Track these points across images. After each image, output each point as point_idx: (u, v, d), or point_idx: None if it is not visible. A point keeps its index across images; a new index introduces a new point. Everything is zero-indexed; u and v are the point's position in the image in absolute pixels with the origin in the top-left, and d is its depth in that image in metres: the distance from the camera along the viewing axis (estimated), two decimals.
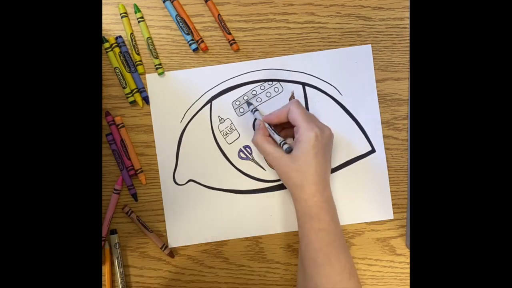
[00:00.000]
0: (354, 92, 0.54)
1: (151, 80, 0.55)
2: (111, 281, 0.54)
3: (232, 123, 0.55)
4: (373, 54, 0.54)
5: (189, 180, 0.55)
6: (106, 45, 0.55)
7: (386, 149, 0.54)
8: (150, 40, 0.54)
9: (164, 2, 0.55)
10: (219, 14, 0.55)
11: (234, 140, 0.55)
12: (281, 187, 0.54)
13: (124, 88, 0.54)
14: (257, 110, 0.53)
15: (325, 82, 0.55)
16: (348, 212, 0.54)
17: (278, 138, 0.49)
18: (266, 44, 0.55)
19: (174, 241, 0.54)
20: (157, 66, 0.54)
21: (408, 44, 0.55)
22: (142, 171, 0.55)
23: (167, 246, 0.54)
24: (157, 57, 0.54)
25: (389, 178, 0.54)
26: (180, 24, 0.54)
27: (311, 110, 0.54)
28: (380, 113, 0.54)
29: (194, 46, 0.54)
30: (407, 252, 0.54)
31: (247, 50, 0.55)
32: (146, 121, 0.55)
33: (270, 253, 0.54)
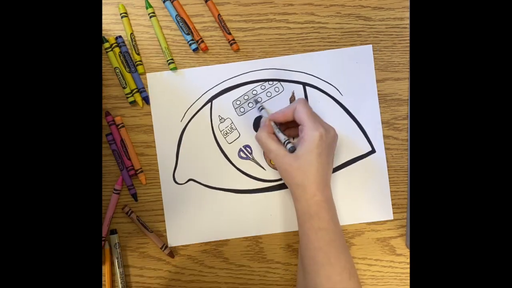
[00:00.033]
0: (354, 92, 0.54)
1: (151, 80, 0.55)
2: (111, 281, 0.54)
3: (232, 122, 0.55)
4: (373, 54, 0.54)
5: (189, 180, 0.55)
6: (106, 45, 0.55)
7: (386, 149, 0.54)
8: (161, 36, 0.55)
9: (164, 2, 0.55)
10: (219, 14, 0.55)
11: (234, 140, 0.55)
12: (281, 187, 0.54)
13: (124, 88, 0.54)
14: (264, 108, 0.53)
15: (325, 82, 0.55)
16: (348, 212, 0.54)
17: (282, 137, 0.49)
18: (266, 44, 0.55)
19: (174, 241, 0.54)
20: (169, 61, 0.54)
21: (408, 44, 0.55)
22: (142, 171, 0.55)
23: (167, 246, 0.54)
24: (169, 53, 0.54)
25: (389, 178, 0.54)
26: (180, 24, 0.54)
27: None
28: (380, 113, 0.54)
29: (194, 46, 0.54)
30: (407, 252, 0.54)
31: (247, 50, 0.55)
32: (146, 121, 0.55)
33: (270, 253, 0.54)
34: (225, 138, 0.55)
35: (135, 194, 0.54)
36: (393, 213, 0.54)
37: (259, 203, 0.54)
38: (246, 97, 0.55)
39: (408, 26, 0.55)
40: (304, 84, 0.55)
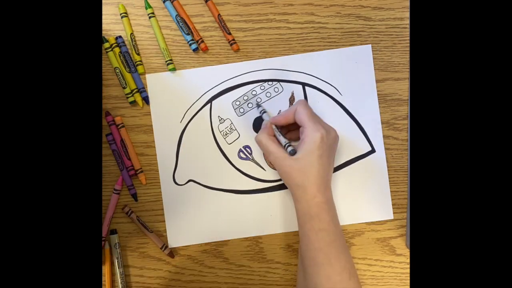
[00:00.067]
0: (354, 92, 0.54)
1: (151, 80, 0.55)
2: (111, 281, 0.54)
3: (232, 123, 0.55)
4: (373, 54, 0.54)
5: (189, 180, 0.55)
6: (106, 45, 0.55)
7: (386, 149, 0.54)
8: (160, 37, 0.55)
9: (164, 2, 0.55)
10: (219, 14, 0.55)
11: (234, 140, 0.55)
12: (281, 187, 0.54)
13: (124, 88, 0.54)
14: (265, 112, 0.53)
15: (325, 82, 0.55)
16: (348, 212, 0.54)
17: (283, 140, 0.49)
18: (266, 44, 0.55)
19: (174, 241, 0.54)
20: (168, 62, 0.54)
21: (408, 44, 0.55)
22: (142, 171, 0.55)
23: (167, 246, 0.54)
24: (168, 53, 0.54)
25: (389, 178, 0.54)
26: (180, 24, 0.54)
27: None
28: (380, 113, 0.54)
29: (194, 46, 0.54)
30: (407, 252, 0.54)
31: (247, 50, 0.55)
32: (146, 121, 0.55)
33: (270, 253, 0.54)
34: (224, 138, 0.55)
35: (135, 194, 0.54)
36: (393, 213, 0.54)
37: (259, 204, 0.54)
38: (245, 98, 0.55)
39: (408, 26, 0.55)
40: (304, 84, 0.55)
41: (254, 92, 0.55)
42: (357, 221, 0.54)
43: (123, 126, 0.54)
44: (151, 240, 0.54)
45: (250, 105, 0.55)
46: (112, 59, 0.55)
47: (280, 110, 0.54)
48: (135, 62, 0.55)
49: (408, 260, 0.54)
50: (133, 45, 0.55)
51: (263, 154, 0.55)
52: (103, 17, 0.55)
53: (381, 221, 0.54)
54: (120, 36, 0.55)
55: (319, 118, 0.50)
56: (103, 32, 0.55)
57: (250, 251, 0.54)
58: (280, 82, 0.55)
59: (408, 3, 0.55)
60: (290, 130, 0.53)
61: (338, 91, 0.55)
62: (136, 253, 0.54)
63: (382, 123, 0.54)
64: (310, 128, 0.47)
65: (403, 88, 0.55)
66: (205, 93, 0.55)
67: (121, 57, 0.55)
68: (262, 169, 0.55)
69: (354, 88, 0.54)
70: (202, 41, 0.55)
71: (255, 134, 0.54)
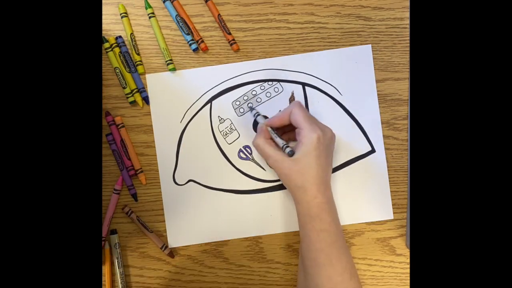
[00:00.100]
0: (354, 92, 0.54)
1: (151, 80, 0.55)
2: (111, 281, 0.54)
3: (232, 123, 0.55)
4: (373, 54, 0.54)
5: (189, 180, 0.55)
6: (106, 45, 0.55)
7: (386, 149, 0.54)
8: (160, 37, 0.55)
9: (164, 2, 0.55)
10: (219, 14, 0.55)
11: (234, 140, 0.55)
12: (281, 187, 0.54)
13: (124, 88, 0.54)
14: (259, 114, 0.53)
15: (325, 82, 0.55)
16: (348, 212, 0.54)
17: (280, 141, 0.49)
18: (266, 44, 0.55)
19: (174, 241, 0.54)
20: (168, 62, 0.54)
21: (408, 44, 0.55)
22: (142, 171, 0.55)
23: (167, 246, 0.54)
24: (168, 53, 0.54)
25: (389, 178, 0.54)
26: (180, 24, 0.54)
27: (311, 110, 0.54)
28: (380, 113, 0.54)
29: (194, 46, 0.54)
30: (407, 252, 0.54)
31: (247, 50, 0.55)
32: (146, 121, 0.55)
33: (270, 253, 0.54)
34: (224, 138, 0.55)
35: (135, 194, 0.54)
36: (393, 213, 0.54)
37: (259, 204, 0.54)
38: (245, 98, 0.55)
39: (408, 26, 0.55)
40: (304, 84, 0.55)
41: (254, 92, 0.55)
42: (357, 221, 0.54)
43: (123, 126, 0.54)
44: (151, 240, 0.54)
45: (250, 105, 0.55)
46: (112, 59, 0.55)
47: (280, 110, 0.54)
48: (135, 62, 0.55)
49: (408, 260, 0.54)
50: (133, 45, 0.55)
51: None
52: (103, 17, 0.55)
53: (381, 221, 0.54)
54: (120, 36, 0.55)
55: (314, 118, 0.50)
56: (103, 32, 0.55)
57: (250, 251, 0.54)
58: (280, 82, 0.55)
59: (408, 3, 0.55)
60: (286, 131, 0.53)
61: (338, 91, 0.55)
62: (136, 253, 0.54)
63: (382, 123, 0.54)
64: (307, 129, 0.47)
65: (403, 88, 0.55)
66: (205, 93, 0.55)
67: (121, 57, 0.55)
68: (262, 169, 0.55)
69: (354, 88, 0.54)
70: (202, 41, 0.55)
71: (255, 134, 0.54)
